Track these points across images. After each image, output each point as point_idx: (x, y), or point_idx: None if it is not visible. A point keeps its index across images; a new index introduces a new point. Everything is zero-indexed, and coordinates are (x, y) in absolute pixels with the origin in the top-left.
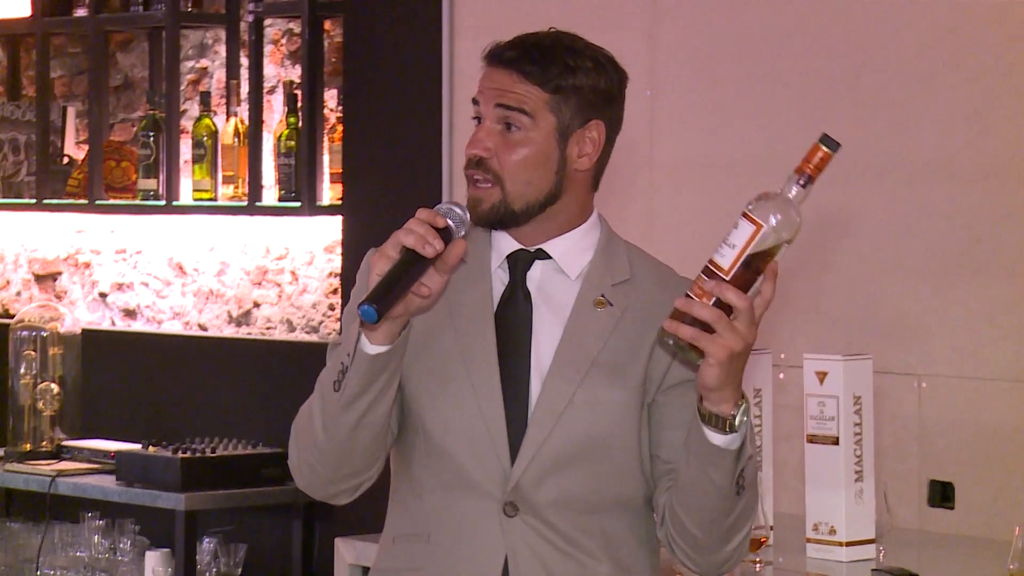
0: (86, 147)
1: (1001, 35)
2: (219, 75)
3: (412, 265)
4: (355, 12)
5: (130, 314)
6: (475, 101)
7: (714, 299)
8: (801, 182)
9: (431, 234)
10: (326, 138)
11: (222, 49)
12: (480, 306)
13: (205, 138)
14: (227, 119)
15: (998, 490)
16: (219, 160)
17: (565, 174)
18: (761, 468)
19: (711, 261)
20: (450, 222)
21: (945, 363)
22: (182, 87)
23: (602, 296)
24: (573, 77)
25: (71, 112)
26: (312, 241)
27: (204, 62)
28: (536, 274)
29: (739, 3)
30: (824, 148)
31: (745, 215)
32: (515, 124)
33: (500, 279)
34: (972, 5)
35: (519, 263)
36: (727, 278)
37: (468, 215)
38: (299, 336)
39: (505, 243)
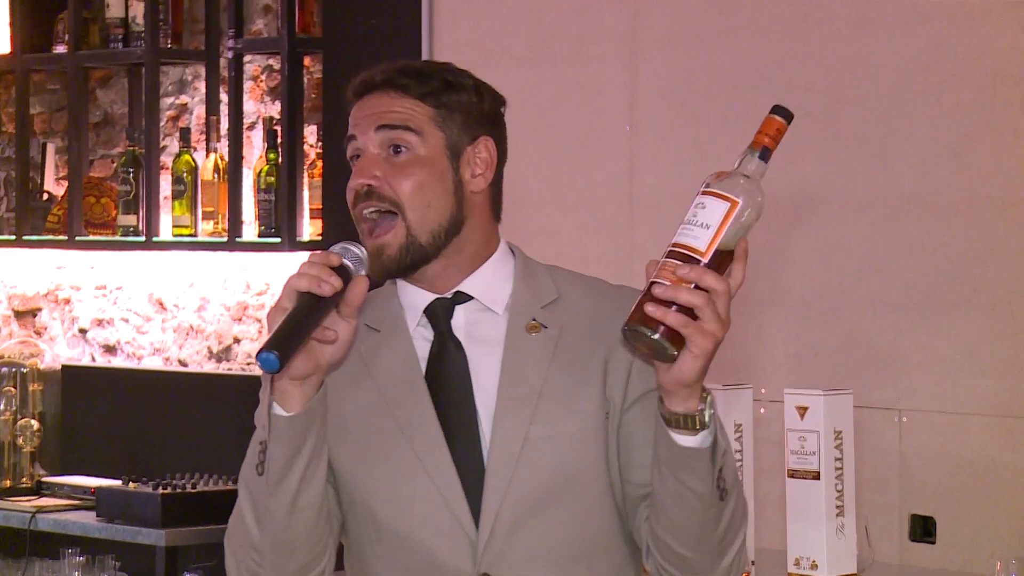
0: (66, 183)
1: (980, 70)
2: (199, 111)
3: (311, 309)
4: (334, 48)
5: (110, 350)
6: (350, 138)
7: (693, 284)
8: (759, 155)
9: (325, 272)
10: (306, 174)
11: (201, 85)
12: (406, 371)
13: (185, 174)
14: (207, 155)
15: (979, 525)
16: (199, 196)
17: (463, 196)
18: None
19: (681, 244)
20: (346, 261)
21: (925, 397)
22: (162, 123)
23: (534, 320)
24: (456, 93)
25: (51, 148)
26: None
27: (184, 98)
28: (460, 320)
29: (719, 38)
30: (778, 118)
31: (711, 194)
32: (403, 145)
33: (423, 336)
34: (951, 41)
35: (439, 313)
36: (705, 260)
37: (365, 252)
38: None
39: (418, 297)
